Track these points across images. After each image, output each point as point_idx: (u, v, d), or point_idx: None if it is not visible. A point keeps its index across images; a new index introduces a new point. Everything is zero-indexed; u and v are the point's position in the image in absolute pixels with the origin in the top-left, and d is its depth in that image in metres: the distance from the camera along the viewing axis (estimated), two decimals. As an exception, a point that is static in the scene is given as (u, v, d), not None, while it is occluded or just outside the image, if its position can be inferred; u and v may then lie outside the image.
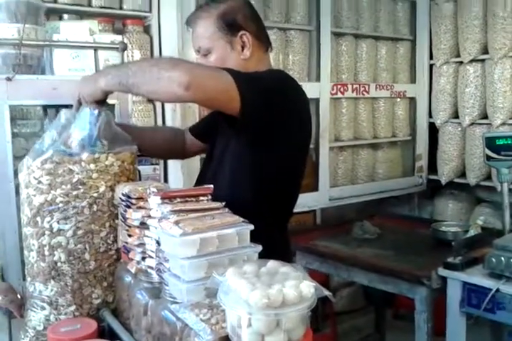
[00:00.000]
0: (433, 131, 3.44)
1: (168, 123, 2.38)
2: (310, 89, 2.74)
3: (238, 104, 1.18)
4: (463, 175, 3.28)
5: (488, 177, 3.08)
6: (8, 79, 1.35)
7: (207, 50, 1.37)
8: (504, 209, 2.03)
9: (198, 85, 1.12)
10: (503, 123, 3.00)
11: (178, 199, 1.04)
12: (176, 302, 0.93)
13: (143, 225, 1.06)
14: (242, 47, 1.37)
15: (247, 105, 1.19)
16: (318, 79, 2.94)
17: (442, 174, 3.33)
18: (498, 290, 1.70)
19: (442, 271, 1.86)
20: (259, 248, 0.98)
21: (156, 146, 1.59)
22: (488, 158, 2.02)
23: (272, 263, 0.88)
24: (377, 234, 2.47)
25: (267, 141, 1.32)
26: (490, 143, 2.00)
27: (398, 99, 3.40)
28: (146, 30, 2.46)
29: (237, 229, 0.97)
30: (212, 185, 1.08)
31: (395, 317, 2.74)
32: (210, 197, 1.08)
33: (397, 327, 2.13)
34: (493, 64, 3.03)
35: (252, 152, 1.34)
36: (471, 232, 2.18)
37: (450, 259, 1.86)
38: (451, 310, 1.84)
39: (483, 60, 3.12)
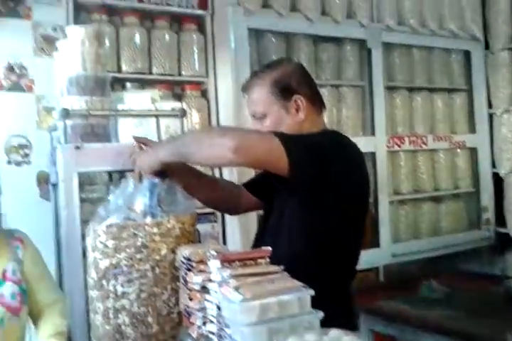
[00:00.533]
0: (498, 181, 3.31)
1: (226, 176, 2.42)
2: (365, 144, 2.75)
3: (286, 165, 1.21)
4: (534, 227, 3.11)
5: None
6: (77, 147, 1.45)
7: (262, 114, 1.42)
8: None
9: (245, 148, 1.19)
10: None
11: (237, 263, 1.04)
12: (238, 370, 0.91)
13: (204, 289, 1.06)
14: (297, 110, 1.40)
15: (295, 165, 1.22)
16: (373, 133, 2.94)
17: (512, 226, 3.17)
18: None
19: (522, 335, 1.73)
20: (321, 314, 0.95)
21: (214, 196, 1.62)
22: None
23: (334, 332, 0.85)
24: (446, 293, 2.34)
25: (320, 201, 1.31)
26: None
27: (458, 150, 3.33)
28: (204, 94, 2.59)
29: (298, 295, 0.95)
30: (270, 248, 1.08)
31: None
32: (268, 259, 1.07)
33: None
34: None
35: (307, 212, 1.34)
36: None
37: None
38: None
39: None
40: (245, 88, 1.47)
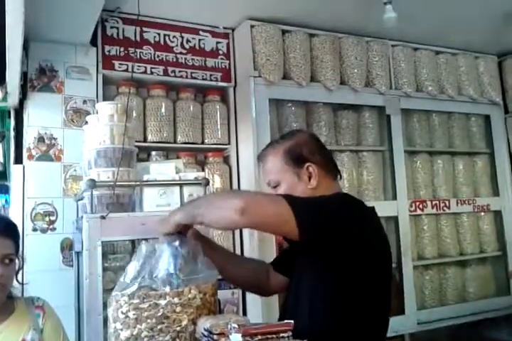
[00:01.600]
0: (525, 244, 3.24)
1: (246, 247, 2.43)
2: (387, 208, 2.75)
3: (295, 226, 1.20)
4: None
5: None
6: (103, 217, 1.49)
7: (276, 182, 1.45)
8: None
9: (252, 210, 1.19)
10: None
11: (259, 337, 1.02)
12: None
13: (226, 365, 1.04)
14: (309, 178, 1.43)
15: (304, 225, 1.20)
16: (394, 197, 2.93)
17: (544, 293, 3.05)
18: None
19: None
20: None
21: (241, 275, 1.61)
22: None
23: None
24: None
25: (337, 262, 1.28)
26: None
27: (482, 213, 3.29)
28: (226, 160, 2.66)
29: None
30: (292, 321, 1.07)
31: None
32: (290, 333, 1.06)
33: None
34: None
35: (323, 279, 1.31)
36: None
37: None
38: None
39: None
40: (260, 157, 1.52)
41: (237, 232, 2.53)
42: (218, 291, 1.39)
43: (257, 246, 2.37)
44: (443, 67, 3.22)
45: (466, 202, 3.19)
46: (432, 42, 3.17)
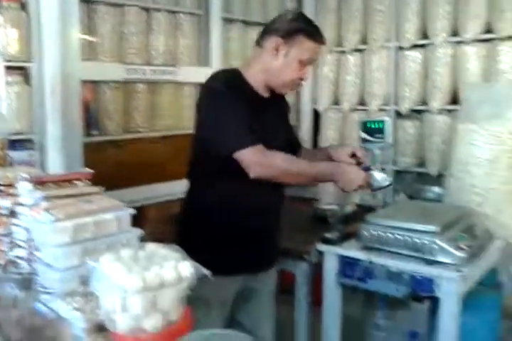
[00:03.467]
0: (317, 116, 3.61)
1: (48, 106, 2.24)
2: (200, 74, 2.75)
3: None
4: (344, 158, 3.49)
5: (366, 160, 3.32)
6: None
7: None
8: (376, 188, 2.20)
9: None
10: (379, 109, 3.24)
11: (51, 185, 1.02)
12: (49, 293, 0.92)
13: (12, 214, 1.02)
14: None
15: None
16: (208, 64, 2.94)
17: (325, 157, 3.52)
18: (370, 261, 1.85)
19: (320, 246, 1.99)
20: (139, 231, 0.99)
21: None
22: (363, 140, 2.16)
23: (151, 246, 0.90)
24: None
25: None
26: (364, 127, 2.14)
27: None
28: (24, 7, 2.31)
29: (116, 214, 0.97)
30: (92, 170, 1.07)
31: (282, 292, 2.88)
32: (88, 181, 1.07)
33: (284, 301, 2.24)
34: (371, 54, 3.24)
35: None
36: (348, 210, 2.35)
37: (327, 235, 2.00)
38: (328, 282, 1.98)
39: (362, 50, 3.32)
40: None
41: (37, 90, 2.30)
42: (13, 153, 1.32)
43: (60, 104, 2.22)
44: None
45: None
46: None
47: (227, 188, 1.62)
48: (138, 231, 1.01)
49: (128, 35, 2.60)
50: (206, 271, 0.89)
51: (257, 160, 1.52)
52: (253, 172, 1.52)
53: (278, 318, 2.07)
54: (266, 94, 1.70)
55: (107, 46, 2.53)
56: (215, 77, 1.64)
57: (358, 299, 2.20)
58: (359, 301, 2.25)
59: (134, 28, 2.61)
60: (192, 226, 1.68)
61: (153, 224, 2.52)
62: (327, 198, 2.89)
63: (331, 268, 1.97)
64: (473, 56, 2.87)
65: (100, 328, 0.83)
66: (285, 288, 2.16)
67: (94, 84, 2.51)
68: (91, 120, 2.43)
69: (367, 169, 1.70)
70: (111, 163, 2.54)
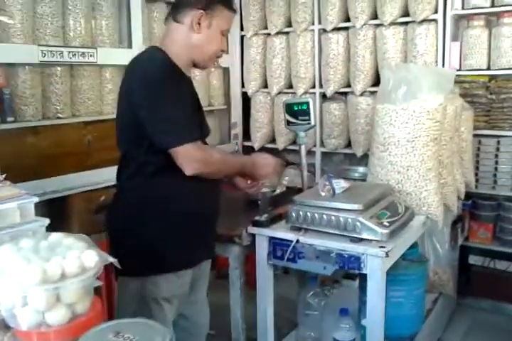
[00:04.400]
0: (247, 100, 3.61)
1: None
2: (123, 56, 2.66)
3: None
4: (273, 140, 3.53)
5: (294, 142, 3.36)
6: None
7: None
8: (302, 169, 2.23)
9: None
10: (306, 92, 3.28)
11: None
12: None
13: None
14: None
15: None
16: (130, 45, 2.84)
17: (255, 140, 3.55)
18: (297, 241, 1.88)
19: (251, 229, 2.00)
20: (46, 221, 0.94)
21: None
22: (288, 122, 2.18)
23: (54, 236, 0.85)
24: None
25: None
26: (289, 109, 2.16)
27: (213, 69, 3.48)
28: None
29: (18, 203, 0.91)
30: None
31: (218, 277, 2.88)
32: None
33: (221, 285, 2.24)
34: (295, 36, 3.26)
35: None
36: (278, 192, 2.37)
37: (257, 217, 2.01)
38: (260, 264, 1.99)
39: (288, 33, 3.34)
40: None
41: None
42: None
43: None
44: None
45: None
46: None
47: (166, 177, 1.55)
48: (45, 221, 0.96)
49: (43, 15, 2.45)
50: (112, 259, 0.85)
51: (198, 158, 1.49)
52: (192, 170, 1.48)
53: (216, 303, 2.07)
54: (189, 74, 1.66)
55: (19, 27, 2.37)
56: (148, 59, 1.56)
57: (293, 280, 2.25)
58: (294, 282, 2.30)
59: (49, 8, 2.47)
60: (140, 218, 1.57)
61: (82, 215, 2.43)
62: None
63: (262, 250, 1.98)
64: (392, 39, 2.96)
65: (6, 326, 0.78)
66: (223, 274, 2.16)
67: (6, 68, 2.36)
68: (5, 105, 2.28)
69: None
70: (30, 151, 2.41)
